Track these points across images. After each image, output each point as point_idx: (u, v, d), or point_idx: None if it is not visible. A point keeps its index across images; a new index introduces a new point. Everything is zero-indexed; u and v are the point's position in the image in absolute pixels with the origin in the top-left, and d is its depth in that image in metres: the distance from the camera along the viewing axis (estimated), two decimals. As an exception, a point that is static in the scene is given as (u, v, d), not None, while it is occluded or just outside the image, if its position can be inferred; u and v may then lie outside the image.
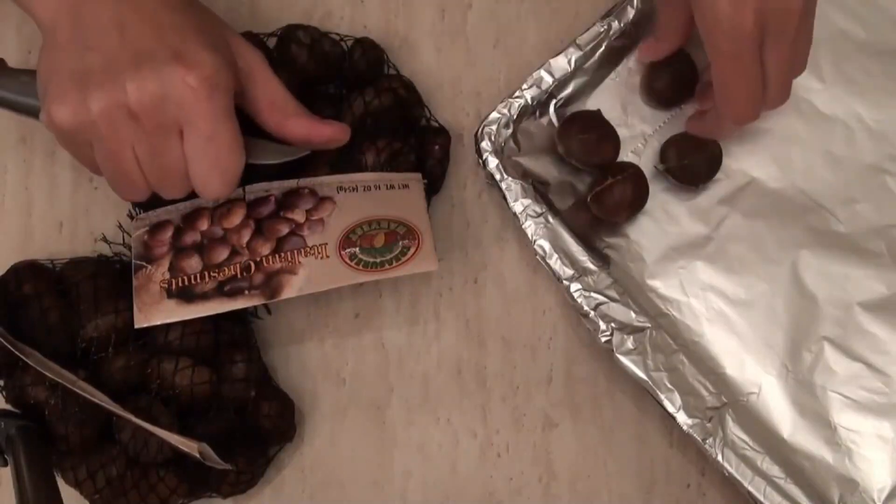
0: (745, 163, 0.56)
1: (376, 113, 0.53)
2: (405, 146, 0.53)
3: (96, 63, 0.42)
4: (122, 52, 0.42)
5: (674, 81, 0.55)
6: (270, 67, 0.48)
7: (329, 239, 0.50)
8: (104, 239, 0.55)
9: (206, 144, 0.44)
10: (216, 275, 0.49)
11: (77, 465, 0.49)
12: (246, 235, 0.50)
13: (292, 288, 0.48)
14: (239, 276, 0.49)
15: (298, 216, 0.50)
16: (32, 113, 0.47)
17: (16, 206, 0.57)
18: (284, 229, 0.50)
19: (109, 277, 0.52)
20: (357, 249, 0.49)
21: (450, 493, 0.54)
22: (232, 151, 0.44)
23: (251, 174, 0.51)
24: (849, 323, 0.53)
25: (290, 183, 0.51)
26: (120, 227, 0.55)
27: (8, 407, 0.51)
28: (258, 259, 0.49)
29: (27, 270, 0.52)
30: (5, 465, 0.48)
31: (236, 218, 0.51)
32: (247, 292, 0.49)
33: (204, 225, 0.51)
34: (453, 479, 0.54)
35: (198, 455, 0.48)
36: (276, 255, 0.49)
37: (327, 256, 0.49)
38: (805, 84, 0.56)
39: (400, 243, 0.50)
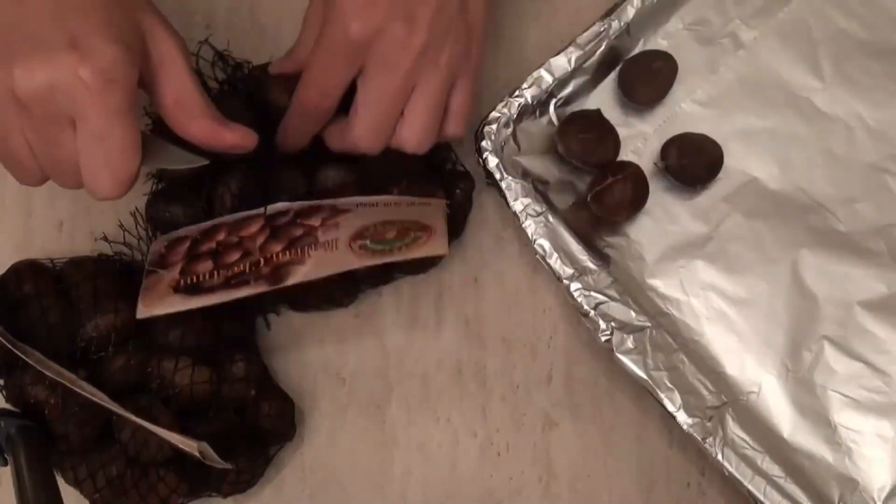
0: (745, 163, 0.56)
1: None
2: (431, 185, 0.53)
3: None
4: (17, 30, 0.39)
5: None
6: (187, 60, 0.44)
7: (341, 235, 0.49)
8: (104, 238, 0.55)
9: (96, 143, 0.40)
10: (225, 272, 0.48)
11: (77, 464, 0.49)
12: (260, 240, 0.50)
13: (298, 275, 0.47)
14: (247, 271, 0.48)
15: (314, 221, 0.50)
16: None
17: (16, 206, 0.57)
18: (298, 232, 0.49)
19: (109, 277, 0.52)
20: (368, 241, 0.48)
21: (450, 493, 0.54)
22: (124, 153, 0.41)
23: (273, 196, 0.51)
24: (849, 322, 0.53)
25: (311, 202, 0.51)
26: (121, 226, 0.55)
27: (8, 407, 0.51)
28: (268, 255, 0.48)
29: (27, 270, 0.52)
30: (5, 464, 0.48)
31: (254, 228, 0.50)
32: (252, 282, 0.47)
33: (221, 236, 0.50)
34: (453, 479, 0.54)
35: (198, 454, 0.47)
36: (287, 251, 0.48)
37: (337, 248, 0.48)
38: (805, 84, 0.56)
39: (412, 234, 0.49)
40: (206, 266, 0.49)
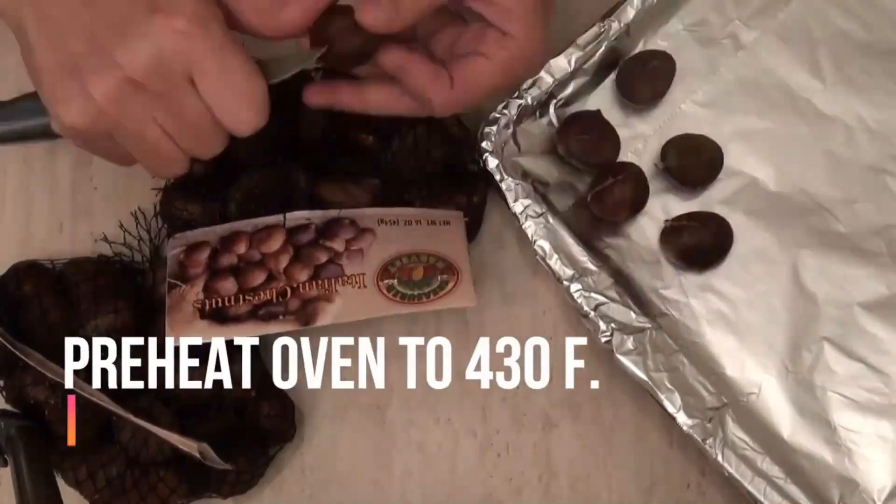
0: (745, 163, 0.56)
1: (425, 151, 0.52)
2: (452, 188, 0.53)
3: (78, 47, 0.39)
4: (99, 25, 0.39)
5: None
6: None
7: (367, 269, 0.49)
8: (105, 239, 0.55)
9: (221, 80, 0.41)
10: (251, 298, 0.48)
11: (77, 465, 0.49)
12: (284, 261, 0.50)
13: (328, 315, 0.48)
14: (274, 300, 0.48)
15: (338, 245, 0.50)
16: (47, 133, 0.45)
17: (16, 206, 0.57)
18: (323, 257, 0.50)
19: (109, 277, 0.52)
20: (395, 281, 0.49)
21: (450, 493, 0.54)
22: (250, 76, 0.41)
23: (289, 203, 0.50)
24: (849, 323, 0.53)
25: (332, 212, 0.51)
26: (121, 226, 0.55)
27: (8, 407, 0.51)
28: (294, 285, 0.49)
29: (27, 270, 0.52)
30: (5, 465, 0.48)
31: (275, 243, 0.50)
32: (281, 317, 0.48)
33: (242, 248, 0.50)
34: (453, 479, 0.54)
35: (198, 455, 0.48)
36: (313, 283, 0.49)
37: (364, 286, 0.49)
38: (805, 85, 0.56)
39: (438, 277, 0.49)
40: (229, 286, 0.49)
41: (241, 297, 0.48)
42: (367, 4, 0.42)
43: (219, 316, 0.48)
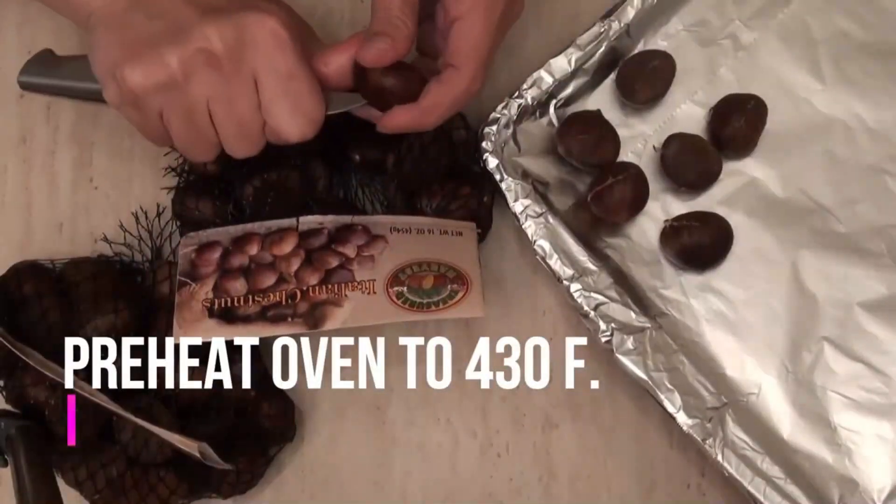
0: (745, 163, 0.56)
1: (434, 154, 0.52)
2: (464, 192, 0.53)
3: (164, 26, 0.42)
4: (190, 10, 0.43)
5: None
6: None
7: (378, 276, 0.49)
8: (104, 239, 0.55)
9: (287, 85, 0.44)
10: (260, 299, 0.49)
11: (77, 465, 0.49)
12: (295, 264, 0.50)
13: (336, 320, 0.48)
14: (283, 303, 0.48)
15: (349, 251, 0.50)
16: (89, 96, 0.48)
17: (16, 206, 0.57)
18: (334, 262, 0.50)
19: (109, 277, 0.52)
20: (405, 289, 0.49)
21: (450, 493, 0.54)
22: (312, 93, 0.45)
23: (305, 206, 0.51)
24: (849, 323, 0.53)
25: (345, 218, 0.51)
26: (121, 226, 0.55)
27: (8, 407, 0.51)
28: (304, 288, 0.49)
29: (27, 270, 0.52)
30: (5, 465, 0.48)
31: (287, 246, 0.50)
32: (289, 320, 0.48)
33: (253, 249, 0.50)
34: (453, 479, 0.54)
35: (198, 455, 0.48)
36: (323, 287, 0.49)
37: (374, 293, 0.49)
38: (805, 84, 0.56)
39: (448, 287, 0.49)
40: (239, 286, 0.49)
41: (250, 297, 0.49)
42: (363, 46, 0.45)
43: (227, 316, 0.48)
